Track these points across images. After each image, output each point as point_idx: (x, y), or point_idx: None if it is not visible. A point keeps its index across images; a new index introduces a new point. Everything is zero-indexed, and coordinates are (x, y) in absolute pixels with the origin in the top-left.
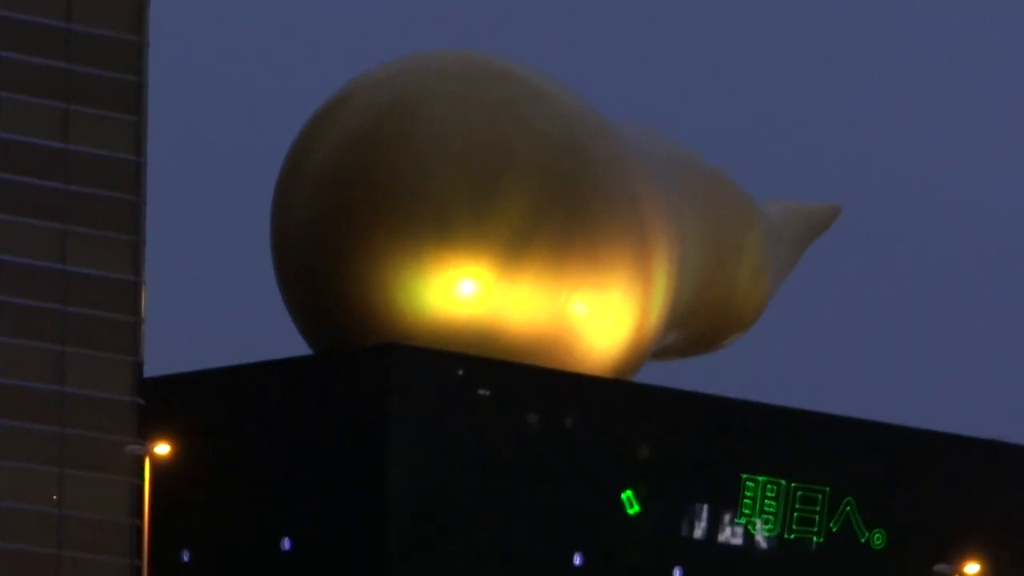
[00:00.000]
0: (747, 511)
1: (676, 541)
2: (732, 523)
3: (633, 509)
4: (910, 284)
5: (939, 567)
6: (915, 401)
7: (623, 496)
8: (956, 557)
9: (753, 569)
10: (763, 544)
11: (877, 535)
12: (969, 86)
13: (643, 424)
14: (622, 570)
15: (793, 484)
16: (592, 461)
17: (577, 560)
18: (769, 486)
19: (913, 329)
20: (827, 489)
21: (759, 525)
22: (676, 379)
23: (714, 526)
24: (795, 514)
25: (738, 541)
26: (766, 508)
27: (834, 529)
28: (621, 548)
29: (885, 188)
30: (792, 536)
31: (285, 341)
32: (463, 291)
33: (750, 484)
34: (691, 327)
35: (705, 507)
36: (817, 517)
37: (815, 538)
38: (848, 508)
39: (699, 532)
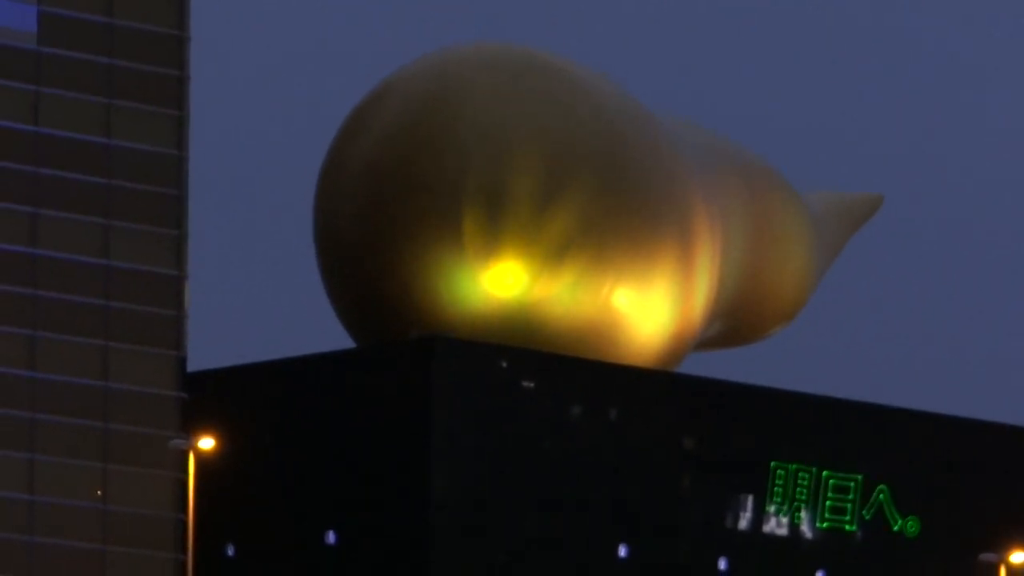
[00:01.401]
0: (777, 499)
1: (721, 532)
2: (777, 514)
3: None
4: (948, 272)
5: (985, 556)
6: (957, 389)
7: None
8: (996, 546)
9: (799, 559)
10: (808, 535)
11: (911, 523)
12: (1011, 74)
13: (688, 415)
14: (667, 561)
15: (825, 472)
16: (637, 452)
17: (622, 552)
18: (801, 474)
19: (951, 317)
20: (859, 477)
21: (800, 514)
22: (719, 370)
23: (758, 517)
24: (827, 502)
25: (783, 532)
26: (797, 496)
27: (867, 517)
28: (666, 539)
29: (926, 178)
30: (825, 525)
31: (328, 335)
32: (506, 283)
33: (780, 472)
34: (735, 318)
35: (750, 498)
36: (850, 505)
37: (847, 527)
38: (881, 496)
39: (744, 523)
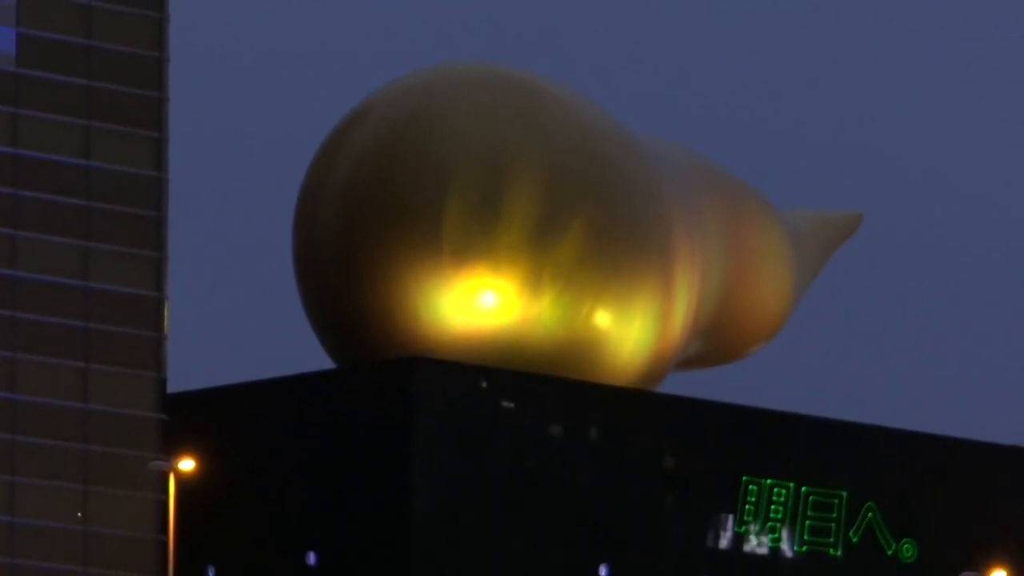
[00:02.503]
0: (748, 517)
1: (702, 551)
2: (758, 533)
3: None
4: (927, 290)
5: (965, 575)
6: (938, 408)
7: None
8: (979, 565)
9: None
10: (788, 554)
11: (907, 546)
12: (992, 91)
13: (668, 434)
14: None
15: (805, 489)
16: (617, 472)
17: (603, 572)
18: (777, 490)
19: (934, 336)
20: (844, 494)
21: (763, 534)
22: (700, 389)
23: (739, 536)
24: (807, 522)
25: (764, 551)
26: (772, 515)
27: (855, 540)
28: (646, 558)
29: (906, 196)
30: (804, 549)
31: (308, 355)
32: (485, 304)
33: (752, 488)
34: (714, 337)
35: (730, 517)
36: (833, 525)
37: (832, 550)
38: (870, 515)
39: (724, 542)
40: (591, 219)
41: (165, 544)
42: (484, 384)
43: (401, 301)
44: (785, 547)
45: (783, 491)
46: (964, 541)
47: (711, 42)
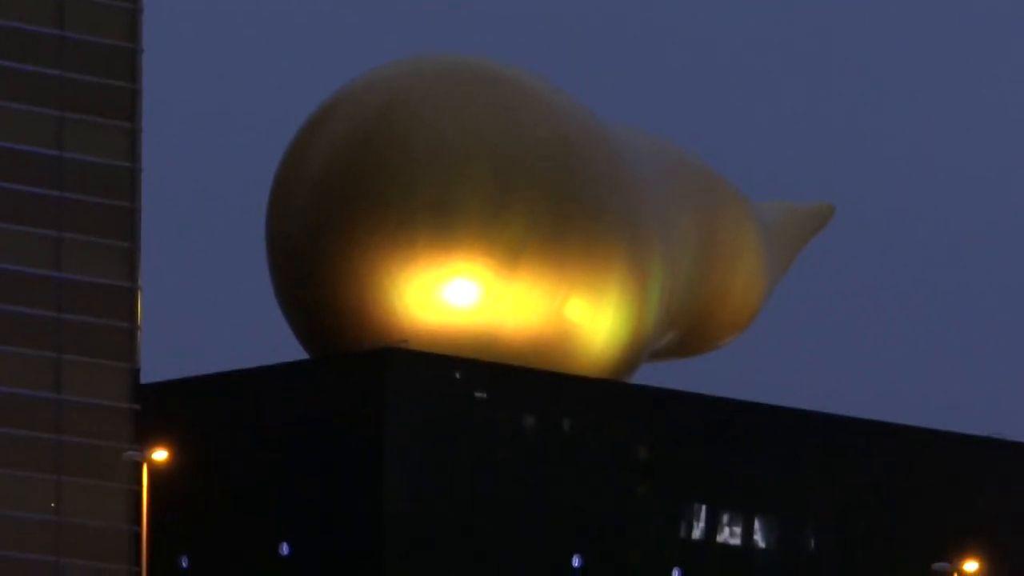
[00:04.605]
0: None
1: (675, 542)
2: (730, 524)
3: None
4: (901, 284)
5: (937, 565)
6: (910, 399)
7: None
8: (952, 555)
9: (752, 570)
10: (761, 545)
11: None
12: (964, 83)
13: (641, 425)
14: (621, 571)
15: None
16: (590, 462)
17: (576, 562)
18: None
19: (907, 327)
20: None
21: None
22: (672, 380)
23: (712, 527)
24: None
25: (736, 542)
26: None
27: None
28: (620, 549)
29: (879, 188)
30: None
31: (282, 346)
32: (459, 294)
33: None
34: (687, 328)
35: (703, 508)
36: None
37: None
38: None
39: (697, 533)
40: (563, 210)
41: (138, 534)
42: (457, 375)
43: (374, 292)
44: (759, 537)
45: None
46: (937, 532)
47: (684, 35)
